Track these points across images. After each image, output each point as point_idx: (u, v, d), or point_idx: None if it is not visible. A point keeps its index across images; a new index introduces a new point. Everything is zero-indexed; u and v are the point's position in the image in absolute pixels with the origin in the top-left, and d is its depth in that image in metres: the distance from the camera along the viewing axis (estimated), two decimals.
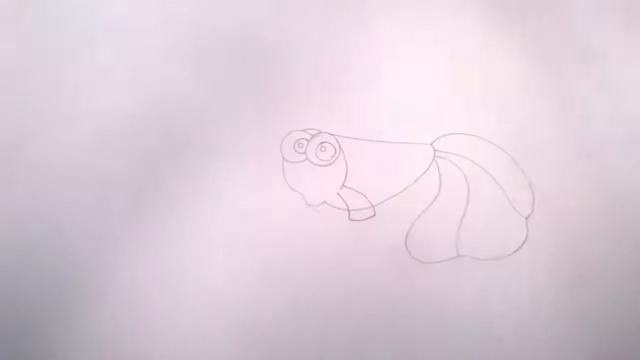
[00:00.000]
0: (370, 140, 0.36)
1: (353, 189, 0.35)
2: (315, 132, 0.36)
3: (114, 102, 0.37)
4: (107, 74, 0.38)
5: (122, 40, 0.39)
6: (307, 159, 0.36)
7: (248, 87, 0.38)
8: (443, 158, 0.36)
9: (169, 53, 0.39)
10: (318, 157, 0.36)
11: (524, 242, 0.34)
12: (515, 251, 0.34)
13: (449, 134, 0.36)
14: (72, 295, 0.33)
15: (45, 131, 0.37)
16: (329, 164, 0.36)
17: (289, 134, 0.36)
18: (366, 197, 0.35)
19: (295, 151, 0.36)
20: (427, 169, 0.36)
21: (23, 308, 0.33)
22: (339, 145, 0.36)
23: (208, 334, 0.32)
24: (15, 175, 0.35)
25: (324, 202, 0.35)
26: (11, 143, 0.36)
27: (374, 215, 0.34)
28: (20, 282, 0.33)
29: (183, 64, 0.39)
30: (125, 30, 0.40)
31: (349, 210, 0.35)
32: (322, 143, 0.36)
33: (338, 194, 0.35)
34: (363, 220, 0.34)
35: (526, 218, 0.34)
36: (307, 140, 0.36)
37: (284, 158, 0.36)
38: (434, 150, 0.36)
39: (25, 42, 0.39)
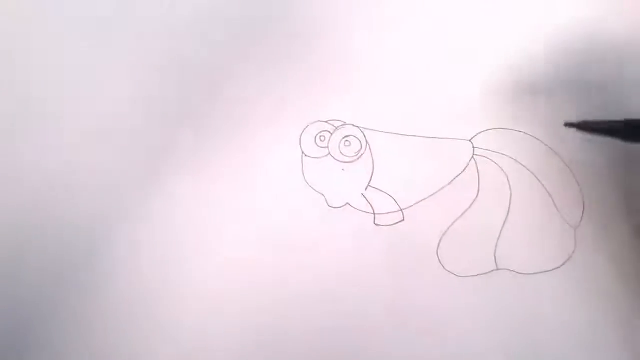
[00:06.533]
0: (401, 135, 0.32)
1: (380, 190, 0.31)
2: (340, 124, 0.32)
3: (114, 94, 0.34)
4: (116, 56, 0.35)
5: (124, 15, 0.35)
6: (329, 154, 0.32)
7: (263, 71, 0.34)
8: (483, 157, 0.32)
9: (175, 30, 0.35)
10: (342, 153, 0.32)
11: (571, 256, 0.30)
12: (562, 265, 0.30)
13: (491, 129, 0.32)
14: (66, 293, 0.30)
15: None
16: (354, 161, 0.32)
17: (309, 125, 0.32)
18: (394, 200, 0.31)
19: (317, 145, 0.32)
20: (465, 168, 0.31)
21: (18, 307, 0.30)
22: (366, 139, 0.32)
23: (213, 335, 0.29)
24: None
25: (347, 204, 0.31)
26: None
27: (403, 220, 0.31)
28: (16, 279, 0.30)
29: (188, 40, 0.34)
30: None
31: (374, 214, 0.31)
32: (346, 137, 0.32)
33: (363, 195, 0.31)
34: (390, 225, 0.31)
35: (575, 228, 0.30)
36: (329, 133, 0.32)
37: (303, 153, 0.32)
38: (473, 148, 0.32)
39: (19, 38, 0.35)
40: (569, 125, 0.28)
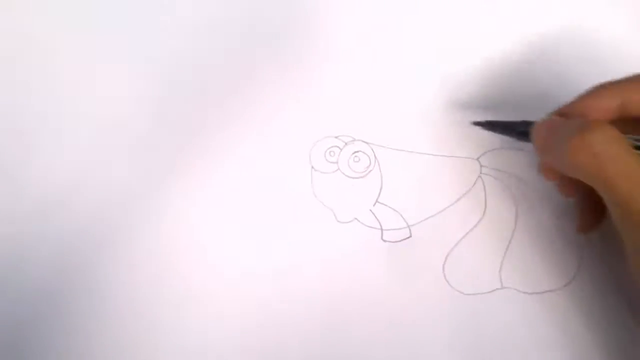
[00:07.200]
0: (409, 152, 0.32)
1: (388, 206, 0.32)
2: (349, 139, 0.33)
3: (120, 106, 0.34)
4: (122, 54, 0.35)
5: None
6: (338, 169, 0.32)
7: (274, 84, 0.34)
8: (490, 175, 0.32)
9: (181, 43, 0.35)
10: (351, 168, 0.32)
11: (576, 275, 0.30)
12: (566, 285, 0.30)
13: (498, 149, 0.32)
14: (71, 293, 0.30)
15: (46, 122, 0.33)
16: (363, 177, 0.32)
17: (319, 140, 0.33)
18: (402, 216, 0.31)
19: (326, 160, 0.32)
20: (472, 187, 0.32)
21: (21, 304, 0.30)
22: (375, 155, 0.32)
23: (218, 347, 0.29)
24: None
25: (355, 219, 0.31)
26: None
27: (410, 236, 0.31)
28: (17, 280, 0.31)
29: (197, 54, 0.35)
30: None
31: (382, 230, 0.31)
32: (355, 152, 0.32)
33: (371, 210, 0.31)
34: (397, 241, 0.31)
35: (580, 248, 0.31)
36: (339, 148, 0.32)
37: (312, 167, 0.32)
38: (480, 166, 0.32)
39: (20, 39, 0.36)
40: (475, 123, 0.31)
